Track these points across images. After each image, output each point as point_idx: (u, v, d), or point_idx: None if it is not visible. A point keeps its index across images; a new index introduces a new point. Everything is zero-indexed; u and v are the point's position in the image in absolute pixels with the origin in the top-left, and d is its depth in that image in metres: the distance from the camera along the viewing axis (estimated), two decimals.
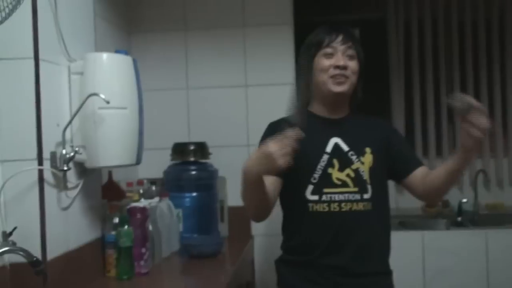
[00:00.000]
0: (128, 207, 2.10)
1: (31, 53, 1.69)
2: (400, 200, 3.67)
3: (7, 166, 1.65)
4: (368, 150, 1.90)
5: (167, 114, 2.92)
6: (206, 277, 2.13)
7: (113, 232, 2.05)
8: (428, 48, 3.69)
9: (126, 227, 1.99)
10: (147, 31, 2.94)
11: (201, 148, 2.70)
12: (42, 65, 1.71)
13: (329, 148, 1.89)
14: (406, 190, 2.05)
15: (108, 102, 1.77)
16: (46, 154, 1.72)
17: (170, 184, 2.65)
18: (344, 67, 1.86)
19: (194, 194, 2.61)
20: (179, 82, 2.94)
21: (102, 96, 1.77)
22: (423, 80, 3.70)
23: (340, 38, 1.89)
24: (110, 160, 1.89)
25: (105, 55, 1.91)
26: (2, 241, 1.57)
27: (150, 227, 2.17)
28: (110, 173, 2.30)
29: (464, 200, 3.35)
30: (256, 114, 2.83)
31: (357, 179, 1.87)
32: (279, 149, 1.53)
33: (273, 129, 1.87)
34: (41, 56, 1.71)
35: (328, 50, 1.89)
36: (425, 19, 3.71)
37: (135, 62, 2.00)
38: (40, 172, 1.69)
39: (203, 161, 2.70)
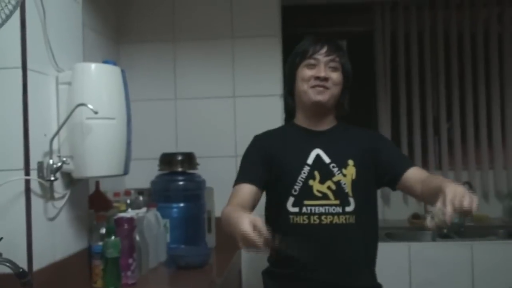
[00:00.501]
0: (115, 217, 2.09)
1: (19, 63, 1.68)
2: (387, 212, 3.70)
3: None
4: (351, 162, 1.88)
5: (155, 124, 2.92)
6: None
7: (100, 243, 2.03)
8: (415, 60, 3.74)
9: (113, 237, 1.98)
10: (135, 41, 2.94)
11: (189, 159, 2.70)
12: (30, 75, 1.71)
13: (310, 160, 1.89)
14: (407, 194, 2.08)
15: (96, 112, 1.77)
16: (33, 164, 1.71)
17: (157, 195, 2.65)
18: (325, 79, 1.87)
19: (182, 204, 2.61)
20: (167, 92, 2.94)
21: (90, 106, 1.77)
22: (409, 92, 3.74)
23: (324, 49, 1.90)
24: (98, 170, 1.88)
25: (93, 65, 1.90)
26: None
27: (137, 238, 2.16)
28: (97, 183, 2.29)
29: None
30: (244, 125, 2.85)
31: (339, 192, 1.85)
32: (253, 232, 1.45)
33: (258, 142, 1.98)
34: (29, 66, 1.71)
35: (311, 61, 1.90)
36: (411, 32, 3.76)
37: (123, 72, 2.00)
38: (27, 182, 1.68)
39: (191, 171, 2.70)
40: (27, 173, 1.68)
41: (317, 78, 1.87)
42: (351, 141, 1.95)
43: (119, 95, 1.95)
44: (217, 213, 2.75)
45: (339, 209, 1.84)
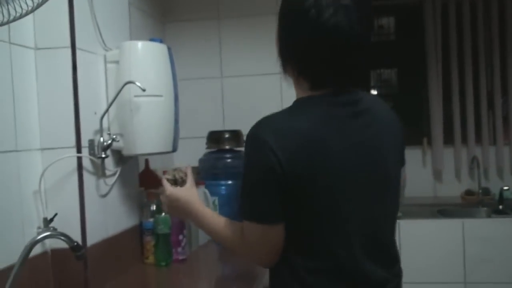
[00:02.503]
0: None
1: (68, 42, 1.71)
2: (439, 188, 3.61)
3: (46, 154, 1.68)
4: None
5: (201, 102, 2.93)
6: (242, 264, 2.12)
7: (151, 219, 2.07)
8: (467, 33, 3.59)
9: (163, 214, 2.01)
10: (180, 20, 2.95)
11: (236, 136, 2.69)
12: (79, 54, 1.73)
13: None
14: None
15: (144, 90, 1.78)
16: (84, 142, 1.74)
17: (205, 172, 2.66)
18: None
19: (230, 182, 2.61)
20: (213, 70, 2.94)
21: (138, 83, 1.78)
22: (461, 65, 3.60)
23: None
24: (147, 147, 1.90)
25: (140, 43, 1.91)
26: (44, 227, 1.61)
27: None
28: (147, 161, 2.31)
29: (506, 188, 3.26)
30: (291, 101, 2.80)
31: None
32: None
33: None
34: (78, 45, 1.73)
35: None
36: (463, 2, 3.60)
37: (169, 50, 2.01)
38: (79, 159, 1.71)
39: (238, 149, 2.70)
40: (78, 150, 1.71)
41: None
42: None
43: (166, 72, 1.96)
44: None
45: None
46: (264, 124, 1.24)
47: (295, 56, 1.28)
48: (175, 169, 1.58)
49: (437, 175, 3.62)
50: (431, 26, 3.62)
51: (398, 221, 2.92)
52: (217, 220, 1.44)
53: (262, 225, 1.24)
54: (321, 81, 1.28)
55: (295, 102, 1.32)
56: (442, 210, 3.19)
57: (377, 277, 1.29)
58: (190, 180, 1.55)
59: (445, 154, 3.56)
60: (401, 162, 1.45)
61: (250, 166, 1.24)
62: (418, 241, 2.89)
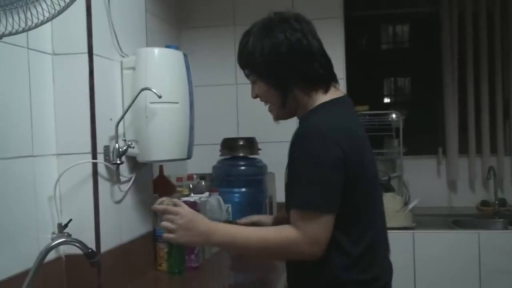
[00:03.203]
0: None
1: (85, 48, 1.71)
2: (453, 199, 3.57)
3: (62, 160, 1.69)
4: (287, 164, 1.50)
5: (216, 109, 2.93)
6: (255, 273, 2.12)
7: None
8: (483, 42, 3.55)
9: None
10: (196, 27, 2.95)
11: (250, 144, 2.69)
12: (96, 60, 1.74)
13: None
14: None
15: (160, 97, 1.78)
16: (99, 148, 1.75)
17: (219, 180, 2.65)
18: (255, 97, 1.55)
19: (243, 189, 2.61)
20: (228, 77, 2.94)
21: (154, 90, 1.78)
22: (477, 74, 3.56)
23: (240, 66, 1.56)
24: (162, 154, 1.90)
25: (156, 50, 1.92)
26: (58, 233, 1.61)
27: None
28: (161, 168, 2.31)
29: None
30: None
31: None
32: None
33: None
34: (95, 51, 1.73)
35: None
36: (480, 12, 3.57)
37: (185, 57, 2.01)
38: (94, 165, 1.71)
39: (252, 156, 2.69)
40: (94, 156, 1.71)
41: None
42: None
43: (182, 79, 1.96)
44: (279, 198, 2.73)
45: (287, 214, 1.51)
46: (321, 123, 1.37)
47: (303, 75, 1.44)
48: (162, 201, 1.49)
49: (452, 185, 3.58)
50: (448, 35, 3.59)
51: (412, 231, 2.91)
52: (251, 229, 1.44)
53: (327, 216, 1.33)
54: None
55: (326, 105, 1.44)
56: (457, 221, 3.15)
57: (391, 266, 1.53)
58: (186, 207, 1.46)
59: (460, 164, 3.52)
60: None
61: (318, 159, 1.32)
62: (432, 252, 2.85)
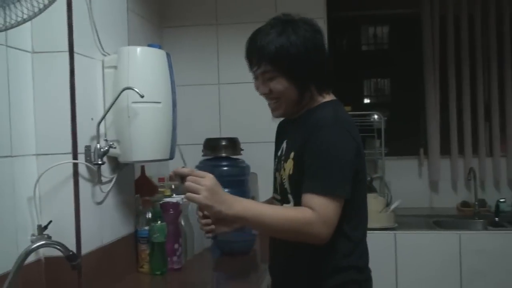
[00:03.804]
0: (161, 202, 2.09)
1: (66, 47, 1.68)
2: (434, 199, 3.60)
3: (42, 160, 1.65)
4: (291, 155, 1.54)
5: (198, 109, 2.91)
6: (238, 274, 2.10)
7: (146, 227, 2.03)
8: (465, 44, 3.59)
9: (159, 222, 1.98)
10: (178, 26, 2.92)
11: (233, 144, 2.67)
12: (76, 58, 1.71)
13: (280, 152, 1.64)
14: None
15: (142, 96, 1.75)
16: (80, 148, 1.72)
17: None
18: (266, 93, 1.55)
19: (226, 190, 2.53)
20: (210, 77, 2.92)
21: (137, 89, 1.75)
22: (459, 77, 3.59)
23: (254, 61, 1.54)
24: (144, 155, 1.87)
25: (138, 49, 1.89)
26: (38, 234, 1.58)
27: (183, 223, 2.15)
28: (143, 168, 2.28)
29: (502, 200, 3.25)
30: None
31: (281, 187, 1.59)
32: None
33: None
34: (76, 49, 1.70)
35: (254, 75, 1.59)
36: (461, 14, 3.61)
37: (168, 56, 1.99)
38: (75, 166, 1.68)
39: (235, 157, 2.67)
40: (75, 157, 1.68)
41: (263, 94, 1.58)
42: (302, 130, 1.55)
43: (164, 79, 1.94)
44: (261, 198, 2.72)
45: (280, 205, 1.60)
46: (338, 116, 1.51)
47: (321, 74, 1.55)
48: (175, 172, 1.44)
49: (434, 186, 3.61)
50: (429, 36, 3.62)
51: (394, 232, 2.92)
52: (273, 206, 1.53)
53: (341, 201, 1.41)
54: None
55: (332, 103, 1.57)
56: (438, 221, 3.18)
57: None
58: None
59: (441, 165, 3.55)
60: None
61: (341, 148, 1.44)
62: (414, 253, 2.87)
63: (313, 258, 1.50)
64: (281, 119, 1.71)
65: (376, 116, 3.40)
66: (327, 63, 1.56)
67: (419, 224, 3.12)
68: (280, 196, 1.59)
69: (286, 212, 1.45)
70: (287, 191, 1.55)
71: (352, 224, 1.50)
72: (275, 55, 1.47)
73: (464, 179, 3.56)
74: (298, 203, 1.48)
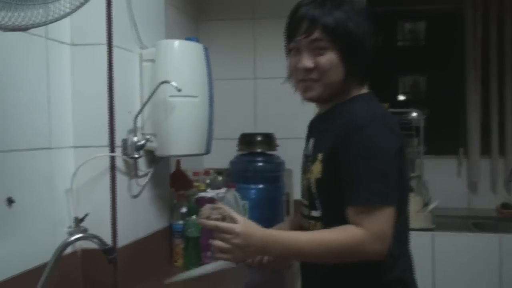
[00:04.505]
0: (196, 197, 2.08)
1: (104, 39, 1.68)
2: (473, 200, 3.51)
3: (79, 152, 1.66)
4: (320, 156, 1.38)
5: (234, 103, 2.89)
6: (271, 270, 2.07)
7: (181, 222, 2.03)
8: (508, 42, 3.47)
9: (194, 217, 1.96)
10: (215, 19, 2.91)
11: (268, 140, 2.65)
12: (115, 51, 1.70)
13: (307, 150, 1.50)
14: None
15: (179, 90, 1.74)
16: (118, 141, 1.71)
17: (236, 175, 2.62)
18: (309, 69, 1.37)
19: (260, 186, 2.56)
20: (246, 71, 2.90)
21: (174, 83, 1.74)
22: (501, 75, 3.48)
23: (303, 28, 1.35)
24: (180, 149, 1.86)
25: (176, 42, 1.88)
26: (74, 227, 1.58)
27: None
28: (178, 162, 2.28)
29: None
30: None
31: (308, 192, 1.44)
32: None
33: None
34: (114, 42, 1.70)
35: (293, 45, 1.41)
36: (505, 11, 3.48)
37: (206, 49, 1.97)
38: (112, 159, 1.68)
39: (270, 152, 2.65)
40: (112, 150, 1.68)
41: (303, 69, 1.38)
42: (331, 128, 1.39)
43: (202, 72, 1.92)
44: (296, 195, 2.69)
45: (307, 212, 1.45)
46: (377, 113, 1.34)
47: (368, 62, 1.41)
48: (213, 208, 1.33)
49: (473, 186, 3.51)
50: (471, 34, 3.51)
51: (432, 233, 2.85)
52: (309, 234, 1.33)
53: (389, 208, 1.26)
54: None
55: (365, 96, 1.42)
56: (477, 223, 3.09)
57: None
58: (237, 214, 1.31)
59: (481, 165, 3.46)
60: None
61: (383, 150, 1.27)
62: (452, 255, 2.80)
63: (349, 276, 1.35)
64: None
65: (414, 114, 3.32)
66: (372, 53, 1.41)
67: (457, 226, 3.04)
68: (308, 202, 1.44)
69: (328, 237, 1.28)
70: (315, 197, 1.40)
71: (395, 233, 1.28)
72: (333, 25, 1.32)
73: (504, 180, 3.45)
74: (326, 211, 1.37)
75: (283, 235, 1.33)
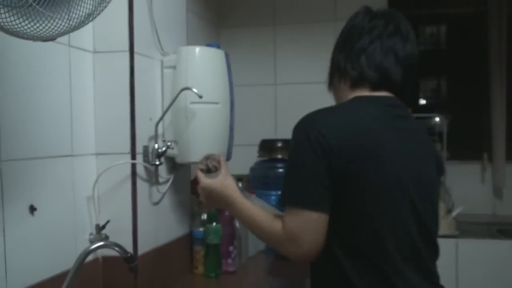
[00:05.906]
0: None
1: (126, 46, 1.68)
2: (498, 206, 3.44)
3: (101, 160, 1.66)
4: None
5: (254, 109, 2.88)
6: (292, 278, 2.06)
7: (201, 229, 2.02)
8: None
9: (214, 224, 1.96)
10: (236, 26, 2.91)
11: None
12: (136, 58, 1.71)
13: None
14: None
15: (201, 97, 1.73)
16: (138, 148, 1.71)
17: (256, 181, 2.60)
18: None
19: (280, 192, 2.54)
20: (267, 77, 2.89)
21: (195, 90, 1.74)
22: None
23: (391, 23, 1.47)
24: (201, 155, 1.84)
25: (197, 49, 1.88)
26: (96, 233, 1.58)
27: (237, 225, 2.13)
28: None
29: None
30: None
31: None
32: None
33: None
34: (136, 49, 1.70)
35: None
36: None
37: (227, 56, 1.96)
38: (133, 166, 1.68)
39: None
40: (133, 157, 1.68)
41: None
42: None
43: (223, 79, 1.91)
44: None
45: None
46: (310, 115, 1.38)
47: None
48: (207, 158, 1.52)
49: (497, 192, 3.44)
50: (496, 37, 3.45)
51: (456, 240, 2.80)
52: (256, 211, 1.38)
53: (310, 214, 1.22)
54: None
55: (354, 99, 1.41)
56: (502, 230, 3.03)
57: None
58: (224, 168, 1.49)
59: (506, 171, 3.39)
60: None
61: (297, 152, 1.29)
62: (476, 262, 2.74)
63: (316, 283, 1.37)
64: None
65: (437, 119, 3.27)
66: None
67: (481, 232, 2.98)
68: None
69: (265, 221, 1.33)
70: None
71: (346, 249, 1.23)
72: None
73: None
74: None
75: (238, 205, 1.41)
